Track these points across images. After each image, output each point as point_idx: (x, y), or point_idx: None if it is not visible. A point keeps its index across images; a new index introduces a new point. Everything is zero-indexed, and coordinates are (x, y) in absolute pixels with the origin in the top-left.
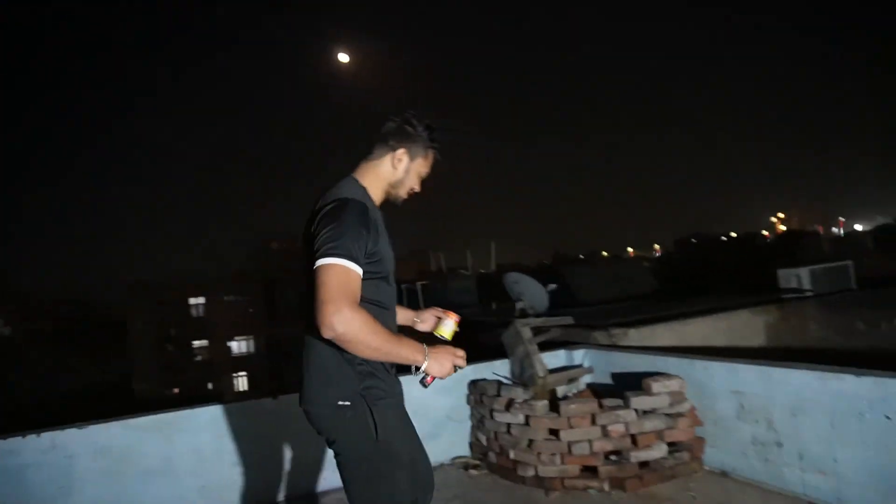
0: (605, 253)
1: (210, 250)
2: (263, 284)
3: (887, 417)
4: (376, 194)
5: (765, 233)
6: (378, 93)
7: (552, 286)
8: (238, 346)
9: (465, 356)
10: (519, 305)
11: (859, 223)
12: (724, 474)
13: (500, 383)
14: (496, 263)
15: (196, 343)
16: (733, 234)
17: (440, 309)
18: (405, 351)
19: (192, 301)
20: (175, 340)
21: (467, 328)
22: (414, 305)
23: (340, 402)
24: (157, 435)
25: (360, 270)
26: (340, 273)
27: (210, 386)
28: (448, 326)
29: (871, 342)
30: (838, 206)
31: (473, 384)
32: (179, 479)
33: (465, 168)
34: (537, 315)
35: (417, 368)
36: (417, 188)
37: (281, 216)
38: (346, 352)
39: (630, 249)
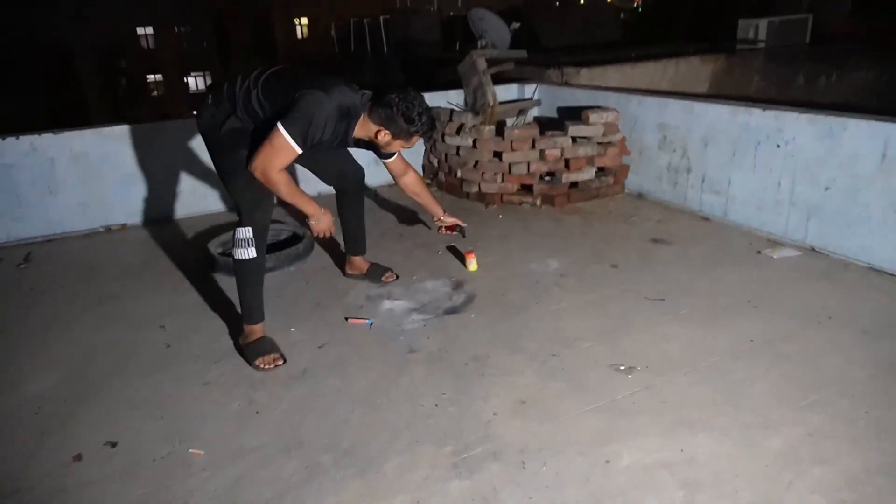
0: (581, 1)
1: None
2: (214, 16)
3: (777, 146)
4: (359, 131)
5: None
6: None
7: (515, 25)
8: (194, 81)
9: (330, 234)
10: (481, 43)
11: None
12: (640, 196)
13: (452, 110)
14: (463, 2)
15: (150, 77)
16: None
17: (458, 220)
18: (301, 203)
19: (141, 31)
20: (127, 73)
21: (430, 64)
22: (377, 41)
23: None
24: (129, 145)
25: (298, 151)
26: (281, 145)
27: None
28: (472, 263)
29: (806, 95)
30: None
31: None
32: (154, 184)
33: None
34: None
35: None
36: (400, 150)
37: None
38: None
39: (608, 1)
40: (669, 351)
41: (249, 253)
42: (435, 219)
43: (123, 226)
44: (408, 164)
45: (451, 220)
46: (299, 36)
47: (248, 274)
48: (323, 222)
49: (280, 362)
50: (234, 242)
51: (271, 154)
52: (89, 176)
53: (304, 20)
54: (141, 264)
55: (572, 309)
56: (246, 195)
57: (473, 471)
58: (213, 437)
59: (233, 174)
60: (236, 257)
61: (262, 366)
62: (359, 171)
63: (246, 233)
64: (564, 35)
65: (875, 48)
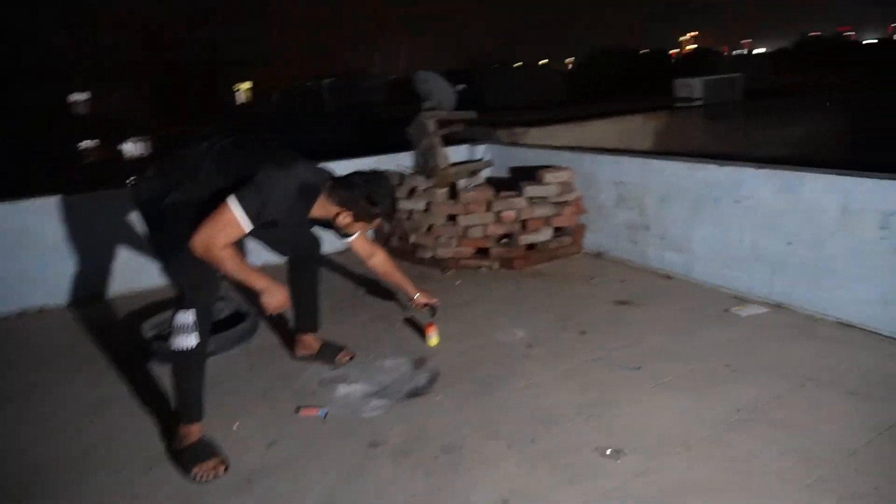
0: (519, 63)
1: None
2: (156, 79)
3: (736, 201)
4: (318, 211)
5: (673, 51)
6: None
7: (461, 86)
8: (133, 147)
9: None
10: (426, 105)
11: (762, 46)
12: (599, 255)
13: (402, 174)
14: (405, 66)
15: (83, 144)
16: (645, 51)
17: (431, 299)
18: (251, 279)
19: (75, 98)
20: (58, 138)
21: (376, 126)
22: (319, 105)
23: None
24: (52, 217)
25: (246, 230)
26: (230, 221)
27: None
28: (433, 337)
29: (745, 148)
30: (749, 27)
31: None
32: (81, 257)
33: None
34: None
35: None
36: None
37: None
38: None
39: (544, 61)
40: (657, 427)
41: (190, 341)
42: (410, 298)
43: (41, 310)
44: (374, 245)
45: (424, 300)
46: (242, 100)
47: (187, 366)
48: (277, 297)
49: (221, 470)
50: (172, 329)
51: (217, 229)
52: (3, 253)
53: (246, 84)
54: (63, 351)
55: (547, 383)
56: (189, 273)
57: None
58: None
59: (173, 251)
60: (174, 347)
61: (200, 476)
62: (315, 241)
63: (188, 317)
64: (508, 94)
65: (804, 102)
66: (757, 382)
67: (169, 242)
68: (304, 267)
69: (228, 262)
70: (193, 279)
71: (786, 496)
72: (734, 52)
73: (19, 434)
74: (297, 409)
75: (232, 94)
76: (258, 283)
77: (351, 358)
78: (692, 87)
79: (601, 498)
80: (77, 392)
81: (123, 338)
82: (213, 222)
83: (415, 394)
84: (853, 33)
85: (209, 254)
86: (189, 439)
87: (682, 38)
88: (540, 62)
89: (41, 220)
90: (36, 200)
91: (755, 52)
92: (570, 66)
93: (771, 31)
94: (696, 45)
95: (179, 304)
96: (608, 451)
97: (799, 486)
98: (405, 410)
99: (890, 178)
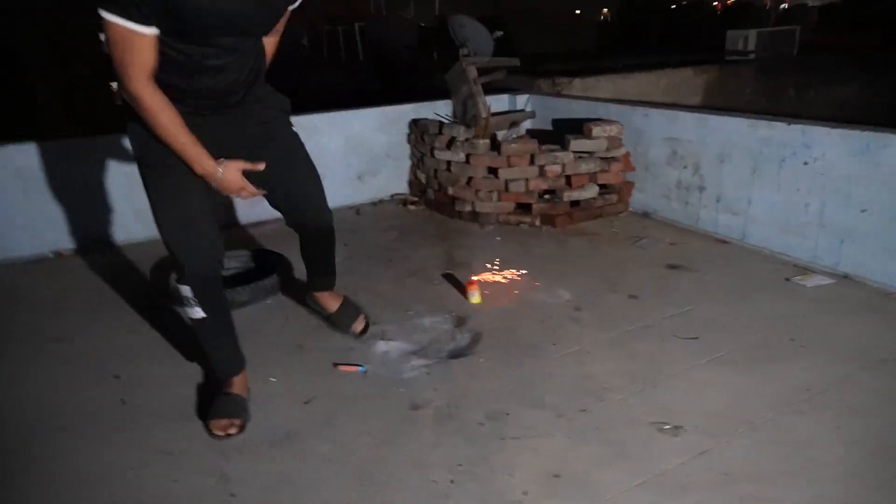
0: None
1: None
2: None
3: (805, 163)
4: None
5: (716, 2)
6: None
7: (498, 33)
8: None
9: (251, 192)
10: (463, 52)
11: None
12: (645, 215)
13: (441, 122)
14: (438, 11)
15: (115, 85)
16: (684, 2)
17: None
18: (190, 153)
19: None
20: (86, 80)
21: (408, 73)
22: (352, 49)
23: None
24: (76, 160)
25: (143, 30)
26: (116, 34)
27: None
28: (475, 295)
29: (797, 107)
30: None
31: (414, 123)
32: (110, 200)
33: None
34: None
35: None
36: None
37: None
38: None
39: (577, 11)
40: (716, 403)
41: (196, 313)
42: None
43: (61, 254)
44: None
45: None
46: None
47: (202, 334)
48: (228, 180)
49: (233, 430)
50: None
51: (116, 56)
52: (33, 190)
53: None
54: (91, 296)
55: (594, 350)
56: (174, 236)
57: None
58: None
59: (157, 208)
60: (186, 316)
61: (215, 431)
62: (321, 213)
63: (185, 291)
64: (541, 43)
65: (860, 61)
66: (825, 361)
67: (155, 196)
68: (309, 237)
69: (160, 114)
70: (182, 243)
71: (865, 491)
72: (781, 6)
73: (54, 381)
74: (336, 366)
75: None
76: (200, 163)
77: (365, 328)
78: (746, 40)
79: (660, 478)
80: (110, 339)
81: (153, 285)
82: (111, 52)
83: (456, 355)
84: None
85: (129, 96)
86: (223, 390)
87: None
88: (576, 11)
89: (70, 161)
90: (66, 142)
91: (807, 3)
92: (604, 17)
93: None
94: None
95: (175, 271)
96: (665, 427)
97: (880, 480)
98: (447, 372)
99: None
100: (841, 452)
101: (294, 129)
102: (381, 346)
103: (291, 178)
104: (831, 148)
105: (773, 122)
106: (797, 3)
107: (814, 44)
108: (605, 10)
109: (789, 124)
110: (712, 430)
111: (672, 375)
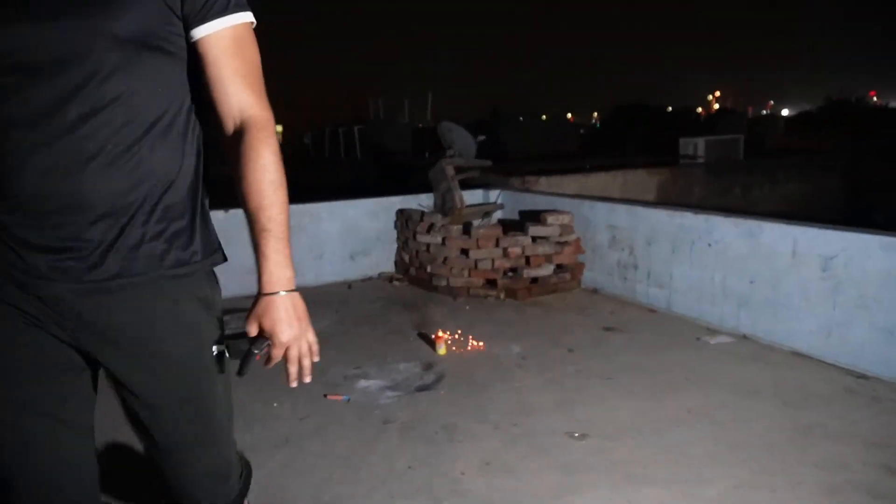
0: (544, 117)
1: None
2: None
3: (709, 245)
4: None
5: (699, 109)
6: None
7: (481, 137)
8: None
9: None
10: (449, 152)
11: (786, 108)
12: (594, 290)
13: (423, 212)
14: (432, 114)
15: None
16: (669, 109)
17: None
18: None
19: None
20: None
21: (401, 170)
22: (351, 151)
23: None
24: None
25: None
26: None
27: None
28: (441, 347)
29: (742, 204)
30: (774, 89)
31: (401, 212)
32: None
33: (406, 14)
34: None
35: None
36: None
37: None
38: None
39: (569, 115)
40: (619, 419)
41: None
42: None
43: None
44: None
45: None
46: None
47: None
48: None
49: None
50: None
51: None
52: None
53: (279, 127)
54: None
55: (532, 386)
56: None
57: None
58: None
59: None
60: None
61: None
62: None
63: None
64: (529, 145)
65: (803, 162)
66: (709, 393)
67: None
68: None
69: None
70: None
71: (711, 470)
72: (762, 112)
73: None
74: (325, 395)
75: None
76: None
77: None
78: (696, 146)
79: (563, 466)
80: None
81: None
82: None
83: (422, 388)
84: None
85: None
86: None
87: (709, 97)
88: (567, 115)
89: None
90: None
91: (783, 112)
92: (594, 122)
93: (805, 93)
94: (718, 106)
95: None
96: (575, 434)
97: (724, 463)
98: (413, 400)
99: (829, 228)
100: (701, 448)
101: (208, 333)
102: (363, 382)
103: (167, 442)
104: (727, 232)
105: (685, 212)
106: (772, 111)
107: (784, 147)
108: (595, 114)
109: (696, 213)
110: (610, 436)
111: (589, 403)
